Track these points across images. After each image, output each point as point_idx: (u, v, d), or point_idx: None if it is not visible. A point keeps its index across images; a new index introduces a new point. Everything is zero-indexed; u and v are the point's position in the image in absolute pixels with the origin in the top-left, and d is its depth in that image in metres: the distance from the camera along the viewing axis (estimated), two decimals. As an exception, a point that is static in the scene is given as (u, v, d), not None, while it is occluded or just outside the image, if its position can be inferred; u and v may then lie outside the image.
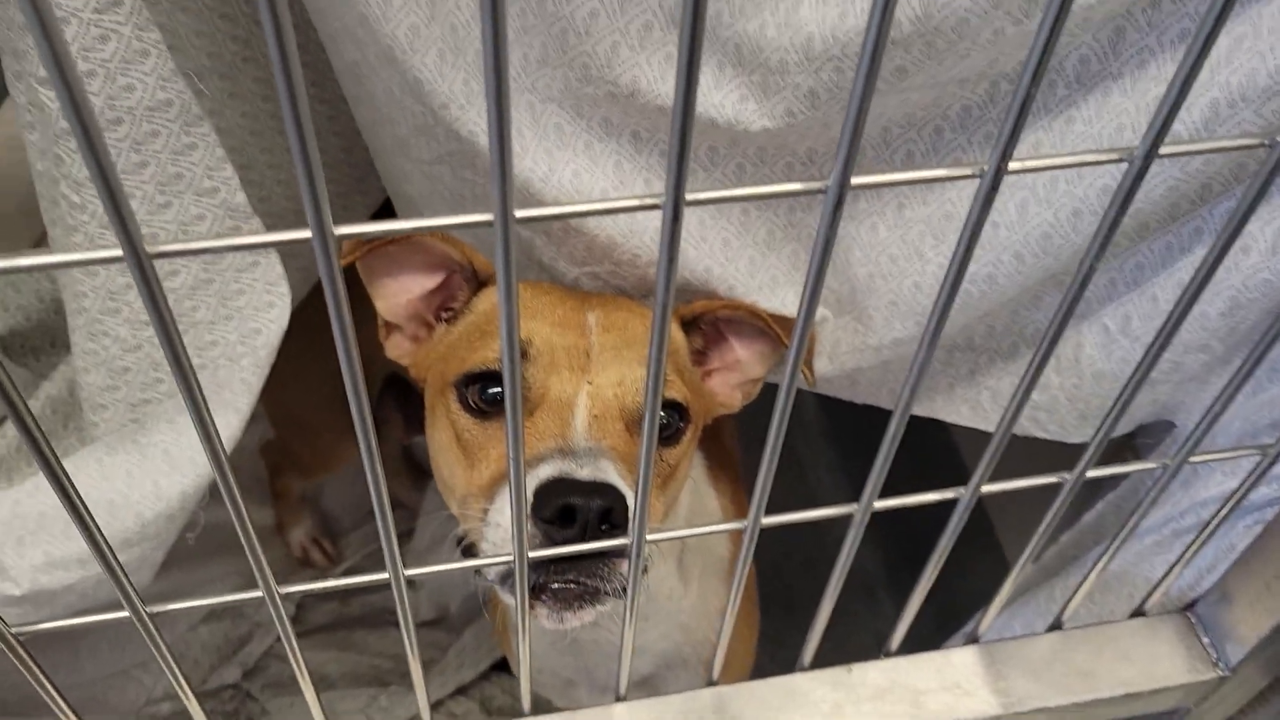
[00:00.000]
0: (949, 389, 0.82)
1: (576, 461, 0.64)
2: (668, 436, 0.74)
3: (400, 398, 1.28)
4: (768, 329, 0.77)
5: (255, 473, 1.47)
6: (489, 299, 0.77)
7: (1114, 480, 0.82)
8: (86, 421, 0.76)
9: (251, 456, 1.44)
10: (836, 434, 1.64)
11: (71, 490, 0.40)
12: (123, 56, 0.62)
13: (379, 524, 0.46)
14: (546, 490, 0.62)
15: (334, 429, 1.28)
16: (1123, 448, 0.87)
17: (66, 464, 0.74)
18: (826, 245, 0.38)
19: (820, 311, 0.81)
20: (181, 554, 0.86)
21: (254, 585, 0.48)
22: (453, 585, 1.48)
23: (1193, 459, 0.55)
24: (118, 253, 0.33)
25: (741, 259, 0.77)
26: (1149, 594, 0.68)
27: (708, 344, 0.81)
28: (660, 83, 0.66)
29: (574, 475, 0.63)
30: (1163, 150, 0.38)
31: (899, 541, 1.41)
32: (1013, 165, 0.37)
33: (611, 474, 0.64)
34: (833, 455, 1.63)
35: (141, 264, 0.33)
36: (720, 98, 0.66)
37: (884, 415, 0.78)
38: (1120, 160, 0.39)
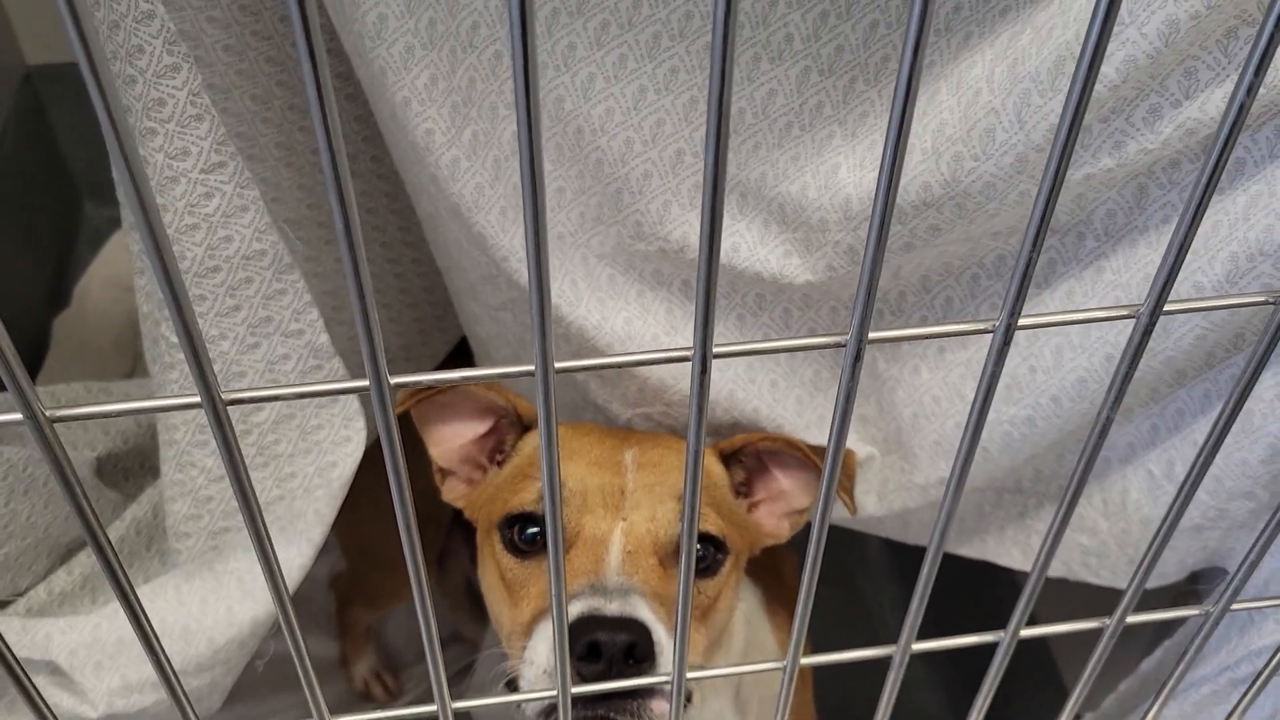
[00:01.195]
0: (1000, 531, 0.83)
1: (607, 598, 0.66)
2: (704, 569, 0.75)
3: (468, 532, 1.31)
4: (806, 459, 0.78)
5: (325, 606, 1.49)
6: (531, 442, 0.81)
7: (1173, 627, 0.81)
8: (170, 549, 0.80)
9: (322, 588, 1.47)
10: (902, 572, 1.63)
11: (143, 617, 0.43)
12: (224, 211, 0.68)
13: (428, 654, 0.48)
14: (575, 627, 0.64)
15: (404, 560, 1.31)
16: (1186, 594, 0.86)
17: (145, 589, 0.78)
18: (848, 396, 0.41)
19: (866, 450, 0.83)
20: (248, 686, 0.88)
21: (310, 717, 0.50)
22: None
23: (1236, 606, 0.55)
24: (196, 399, 0.37)
25: (789, 399, 0.80)
26: (1208, 746, 0.66)
27: (751, 476, 0.83)
28: None
29: (602, 612, 0.65)
30: (1168, 307, 0.40)
31: (963, 683, 1.38)
32: (1022, 321, 0.40)
33: (641, 609, 0.66)
34: (897, 593, 1.61)
35: (217, 409, 0.37)
36: (766, 253, 0.70)
37: (947, 554, 0.79)
38: (1128, 317, 0.41)
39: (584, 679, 0.63)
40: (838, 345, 0.40)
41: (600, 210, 0.73)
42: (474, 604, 1.59)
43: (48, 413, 0.36)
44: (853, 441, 0.81)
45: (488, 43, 0.68)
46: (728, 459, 0.81)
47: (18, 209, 1.61)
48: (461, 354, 1.05)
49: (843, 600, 1.59)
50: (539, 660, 0.66)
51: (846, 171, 0.66)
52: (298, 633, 0.45)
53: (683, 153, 0.70)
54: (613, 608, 0.65)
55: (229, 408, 0.38)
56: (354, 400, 0.79)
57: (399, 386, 0.38)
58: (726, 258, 0.72)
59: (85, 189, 1.83)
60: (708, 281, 0.36)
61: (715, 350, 0.39)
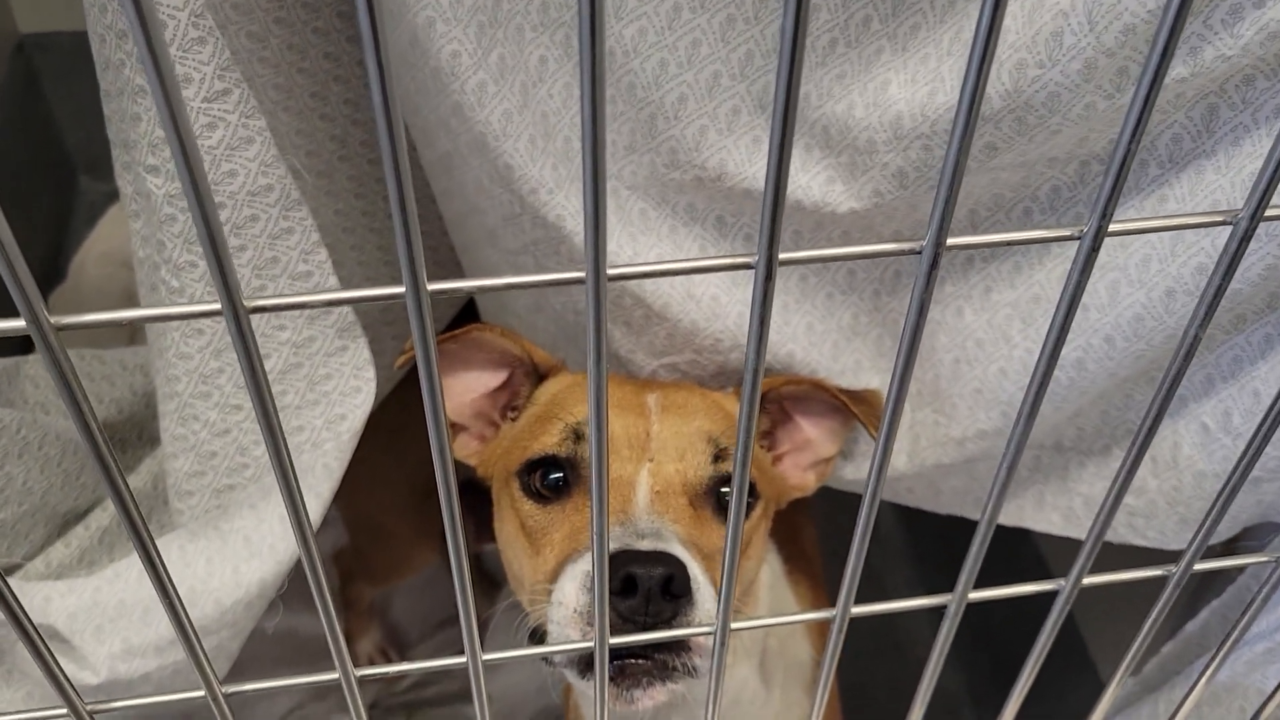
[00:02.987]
0: (1038, 495, 0.80)
1: (639, 535, 0.64)
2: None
3: (473, 505, 1.28)
4: (836, 402, 0.76)
5: (329, 582, 1.46)
6: (550, 389, 0.78)
7: (1218, 586, 0.78)
8: (172, 510, 0.77)
9: (325, 563, 1.44)
10: (916, 549, 1.61)
11: (161, 567, 0.40)
12: (229, 143, 0.65)
13: (459, 601, 0.45)
14: (616, 561, 0.61)
15: (408, 533, 1.28)
16: (1224, 554, 0.83)
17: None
18: (921, 310, 0.38)
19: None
20: (256, 661, 0.85)
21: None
22: (523, 698, 1.45)
23: (1306, 552, 0.52)
24: (216, 306, 0.34)
25: (825, 344, 0.77)
26: (1262, 706, 0.63)
27: (775, 426, 0.80)
28: (748, 165, 0.67)
29: (634, 547, 0.62)
30: (1270, 212, 0.37)
31: (983, 661, 1.36)
32: (1114, 226, 0.36)
33: (674, 545, 0.64)
34: (911, 571, 1.59)
35: (239, 317, 0.34)
36: (807, 180, 0.66)
37: (963, 528, 0.76)
38: (1224, 223, 0.38)
39: (620, 616, 0.60)
40: (913, 252, 0.37)
41: (633, 138, 0.70)
42: (481, 578, 1.57)
43: (53, 320, 0.33)
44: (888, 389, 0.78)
45: None
46: None
47: (11, 183, 1.58)
48: (468, 315, 1.01)
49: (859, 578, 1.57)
50: (568, 601, 0.63)
51: (897, 88, 0.62)
52: (322, 576, 0.42)
53: (719, 75, 0.67)
54: (645, 543, 0.63)
55: (229, 351, 0.34)
56: (364, 349, 0.75)
57: (438, 293, 0.35)
58: (765, 184, 0.68)
59: (80, 163, 1.79)
60: (777, 180, 0.33)
61: (781, 257, 0.36)
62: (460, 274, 0.91)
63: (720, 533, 0.70)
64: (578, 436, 0.72)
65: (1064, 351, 0.68)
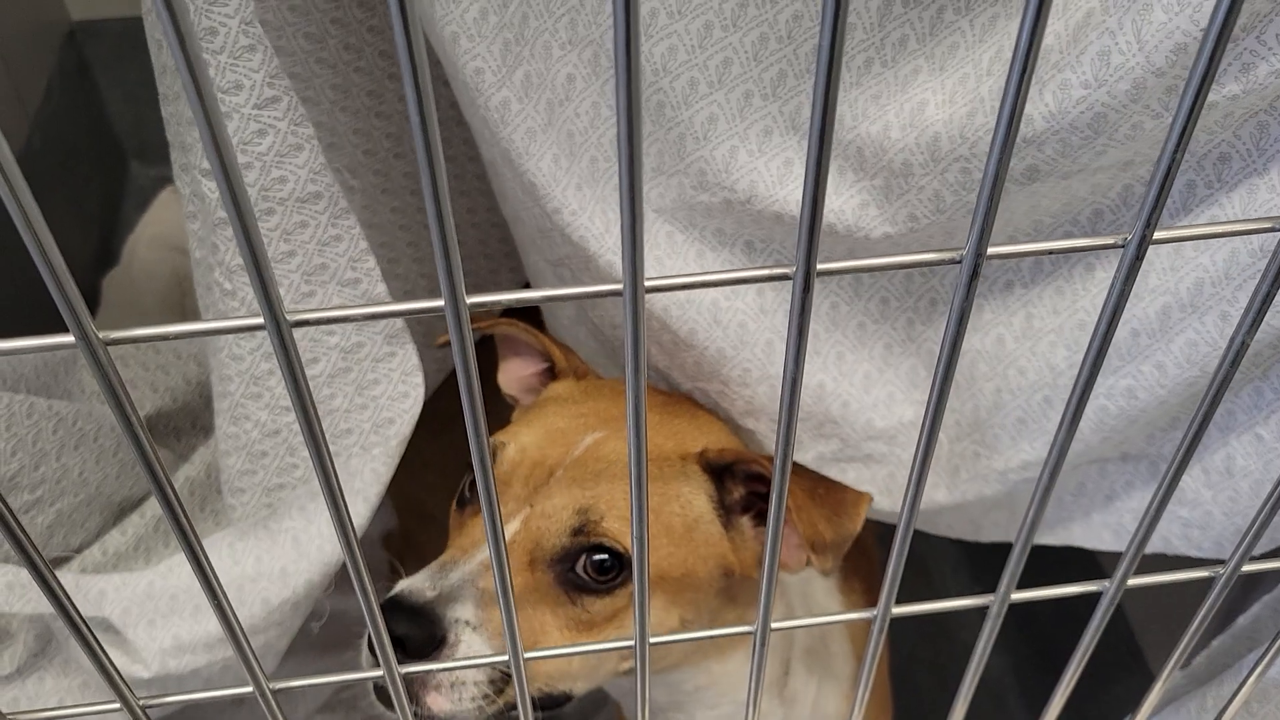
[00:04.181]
0: (1085, 517, 0.78)
1: (436, 583, 0.65)
2: (595, 586, 0.68)
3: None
4: (790, 511, 0.69)
5: (378, 565, 1.48)
6: (550, 391, 0.79)
7: (1270, 581, 0.77)
8: (225, 505, 0.78)
9: (374, 546, 1.46)
10: (969, 544, 1.60)
11: (209, 567, 0.41)
12: (278, 150, 0.65)
13: (499, 599, 0.46)
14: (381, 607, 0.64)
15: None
16: (1274, 553, 0.81)
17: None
18: (961, 320, 0.37)
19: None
20: (303, 644, 0.87)
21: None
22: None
23: (1360, 556, 0.51)
24: (258, 320, 0.34)
25: (857, 374, 0.75)
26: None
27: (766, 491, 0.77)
28: (779, 187, 0.66)
29: (407, 596, 0.64)
30: (1320, 220, 0.36)
31: (1029, 647, 1.35)
32: (1158, 234, 0.36)
33: (460, 609, 0.64)
34: (958, 554, 1.58)
35: (281, 332, 0.34)
36: (840, 203, 0.65)
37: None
38: (1272, 229, 0.37)
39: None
40: (953, 262, 0.36)
41: (661, 159, 0.69)
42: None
43: (102, 335, 0.34)
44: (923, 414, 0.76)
45: None
46: (720, 470, 0.74)
47: (64, 168, 1.61)
48: (519, 308, 1.03)
49: (906, 564, 1.57)
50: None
51: (934, 109, 0.61)
52: (369, 584, 0.43)
53: (750, 94, 0.65)
54: (428, 595, 0.64)
55: (294, 330, 0.35)
56: (413, 355, 0.76)
57: (476, 305, 0.35)
58: (798, 209, 0.67)
59: (130, 148, 1.82)
60: (815, 189, 0.33)
61: (820, 267, 0.35)
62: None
63: (558, 604, 0.68)
64: (493, 454, 0.72)
65: (1114, 380, 0.67)
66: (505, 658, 0.48)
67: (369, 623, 0.46)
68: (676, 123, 0.66)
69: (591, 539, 0.68)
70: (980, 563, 1.51)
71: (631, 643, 0.49)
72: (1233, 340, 0.40)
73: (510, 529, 0.68)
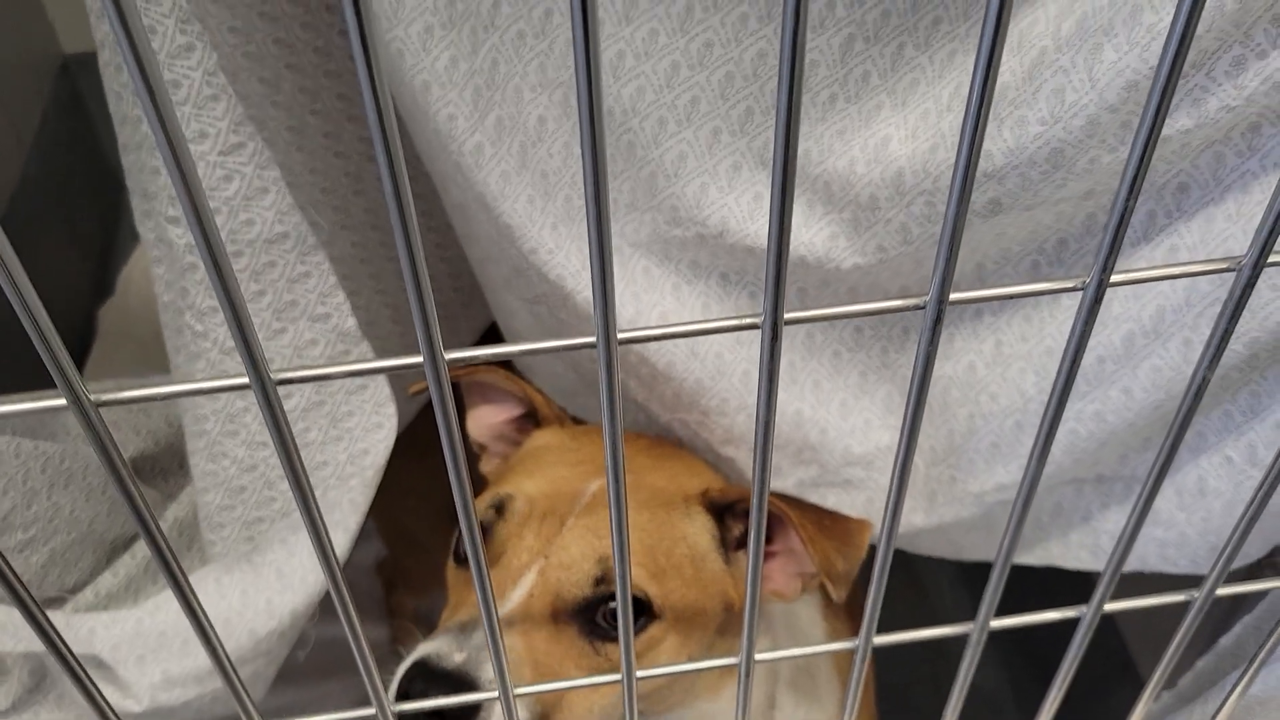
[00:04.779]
0: (1063, 537, 0.79)
1: (467, 645, 0.64)
2: (609, 631, 0.69)
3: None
4: (795, 527, 0.71)
5: (371, 592, 1.49)
6: (534, 440, 0.79)
7: (1252, 601, 0.78)
8: (204, 541, 0.79)
9: (367, 574, 1.46)
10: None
11: (197, 606, 0.42)
12: (244, 194, 0.66)
13: (487, 635, 0.46)
14: (407, 673, 0.63)
15: (441, 544, 1.31)
16: (1261, 565, 0.83)
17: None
18: (927, 363, 0.38)
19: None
20: (295, 672, 0.88)
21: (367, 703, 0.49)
22: None
23: (1328, 576, 0.52)
24: (244, 380, 0.35)
25: (833, 401, 0.76)
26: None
27: (770, 527, 0.76)
28: (749, 221, 0.67)
29: (438, 662, 0.63)
30: (1274, 258, 0.37)
31: (1025, 659, 1.36)
32: (1116, 276, 0.37)
33: (488, 669, 0.63)
34: (954, 570, 1.59)
35: (266, 389, 0.35)
36: (810, 235, 0.66)
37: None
38: (1229, 270, 0.38)
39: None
40: (916, 308, 0.37)
41: (634, 196, 0.70)
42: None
43: (93, 397, 0.35)
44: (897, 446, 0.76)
45: (510, 21, 0.65)
46: (722, 508, 0.75)
47: (59, 199, 1.61)
48: (491, 339, 1.03)
49: (897, 581, 1.57)
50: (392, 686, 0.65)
51: (898, 144, 0.62)
52: (352, 613, 0.44)
53: (719, 131, 0.67)
54: (457, 659, 0.63)
55: (253, 392, 0.36)
56: (384, 386, 0.77)
57: (454, 362, 0.36)
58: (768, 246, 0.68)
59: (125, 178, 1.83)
60: (779, 241, 0.34)
61: (786, 316, 0.36)
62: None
63: (582, 655, 0.68)
64: (499, 509, 0.72)
65: (1082, 405, 0.68)
66: (495, 695, 0.49)
67: (359, 661, 0.47)
68: (647, 161, 0.67)
69: (613, 587, 0.68)
70: (978, 578, 1.52)
71: (618, 677, 0.50)
72: (1194, 375, 0.41)
73: (527, 581, 0.68)
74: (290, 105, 0.75)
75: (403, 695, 0.61)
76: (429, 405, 0.95)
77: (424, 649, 0.65)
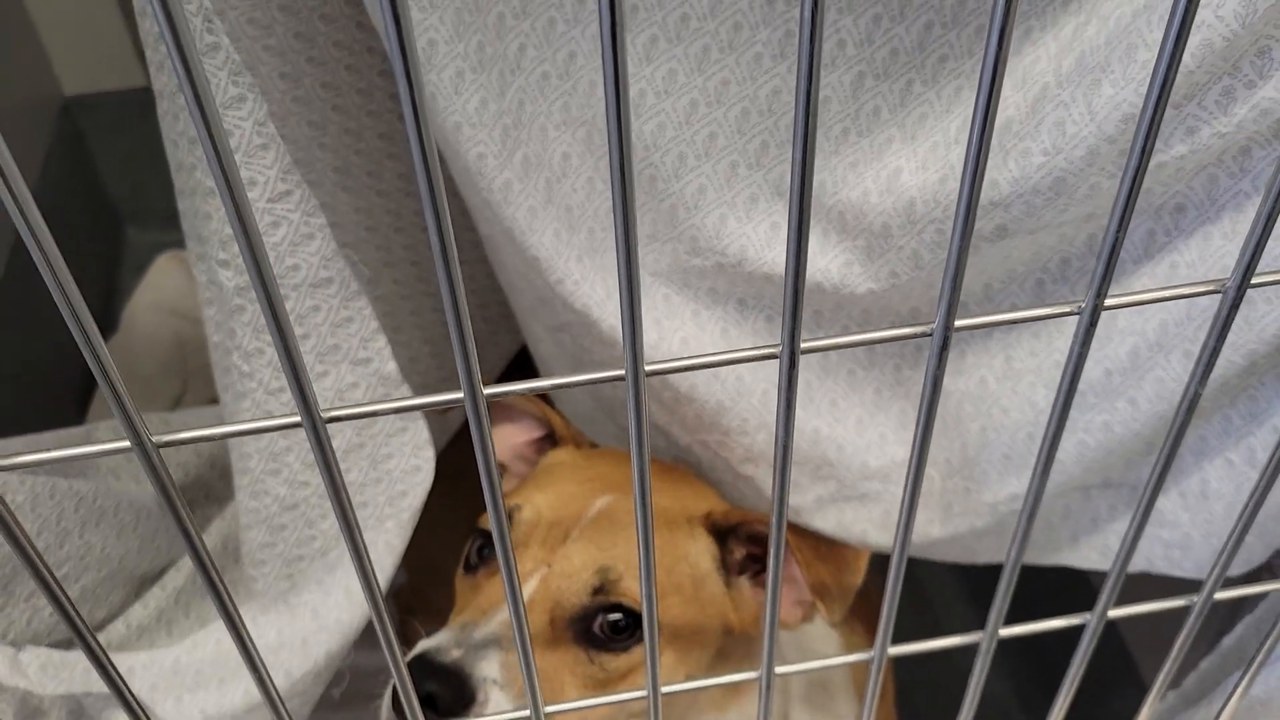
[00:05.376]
0: (1072, 540, 0.82)
1: (461, 644, 0.67)
2: (611, 643, 0.71)
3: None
4: (791, 550, 0.73)
5: (390, 618, 1.50)
6: (550, 459, 0.82)
7: (1254, 602, 0.80)
8: (246, 576, 0.81)
9: (386, 603, 1.47)
10: (967, 570, 1.62)
11: (246, 635, 0.44)
12: (291, 240, 0.69)
13: (520, 662, 0.49)
14: (408, 664, 0.65)
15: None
16: (1260, 568, 0.85)
17: (221, 624, 0.79)
18: (935, 386, 0.41)
19: (927, 472, 0.81)
20: (328, 703, 0.90)
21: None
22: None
23: (1325, 579, 0.55)
24: (295, 419, 0.38)
25: (849, 418, 0.79)
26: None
27: (764, 554, 0.78)
28: (766, 250, 0.70)
29: (436, 657, 0.66)
30: (1255, 280, 0.40)
31: (1031, 667, 1.37)
32: (1109, 301, 0.40)
33: (487, 667, 0.66)
34: (959, 583, 1.60)
35: (317, 428, 0.38)
36: (826, 263, 0.69)
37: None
38: (1214, 291, 0.41)
39: (397, 715, 0.64)
40: (924, 334, 0.40)
41: (655, 227, 0.73)
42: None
43: (155, 439, 0.37)
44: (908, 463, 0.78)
45: (535, 64, 0.68)
46: (724, 531, 0.77)
47: (62, 237, 1.64)
48: (519, 365, 1.06)
49: (904, 593, 1.59)
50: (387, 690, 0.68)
51: (909, 175, 0.65)
52: (398, 653, 0.46)
53: (736, 165, 0.70)
54: (454, 655, 0.66)
55: (296, 431, 0.38)
56: (424, 429, 0.79)
57: (493, 397, 0.38)
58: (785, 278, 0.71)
59: (126, 214, 1.86)
60: (796, 274, 0.37)
61: (803, 345, 0.39)
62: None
63: (577, 663, 0.71)
64: (508, 518, 0.74)
65: (1091, 416, 0.71)
66: (527, 713, 0.51)
67: (399, 687, 0.49)
68: (668, 194, 0.70)
69: (611, 598, 0.70)
70: (979, 589, 1.54)
71: (644, 693, 0.52)
72: (1185, 391, 0.43)
73: (529, 588, 0.71)
74: (336, 147, 0.78)
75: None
76: (457, 435, 0.97)
77: (423, 644, 0.68)
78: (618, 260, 0.35)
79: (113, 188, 1.84)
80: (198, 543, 0.39)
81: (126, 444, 0.37)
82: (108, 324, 1.66)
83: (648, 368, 0.38)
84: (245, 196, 0.32)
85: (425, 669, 0.65)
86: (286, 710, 0.49)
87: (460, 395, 0.38)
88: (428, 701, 0.64)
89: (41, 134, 1.66)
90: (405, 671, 0.48)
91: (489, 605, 0.71)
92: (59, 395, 1.51)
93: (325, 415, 0.38)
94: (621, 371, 0.38)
